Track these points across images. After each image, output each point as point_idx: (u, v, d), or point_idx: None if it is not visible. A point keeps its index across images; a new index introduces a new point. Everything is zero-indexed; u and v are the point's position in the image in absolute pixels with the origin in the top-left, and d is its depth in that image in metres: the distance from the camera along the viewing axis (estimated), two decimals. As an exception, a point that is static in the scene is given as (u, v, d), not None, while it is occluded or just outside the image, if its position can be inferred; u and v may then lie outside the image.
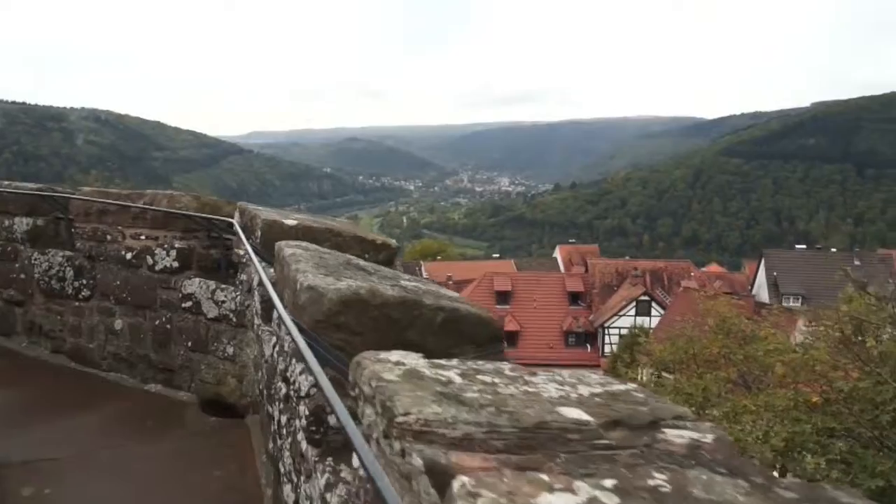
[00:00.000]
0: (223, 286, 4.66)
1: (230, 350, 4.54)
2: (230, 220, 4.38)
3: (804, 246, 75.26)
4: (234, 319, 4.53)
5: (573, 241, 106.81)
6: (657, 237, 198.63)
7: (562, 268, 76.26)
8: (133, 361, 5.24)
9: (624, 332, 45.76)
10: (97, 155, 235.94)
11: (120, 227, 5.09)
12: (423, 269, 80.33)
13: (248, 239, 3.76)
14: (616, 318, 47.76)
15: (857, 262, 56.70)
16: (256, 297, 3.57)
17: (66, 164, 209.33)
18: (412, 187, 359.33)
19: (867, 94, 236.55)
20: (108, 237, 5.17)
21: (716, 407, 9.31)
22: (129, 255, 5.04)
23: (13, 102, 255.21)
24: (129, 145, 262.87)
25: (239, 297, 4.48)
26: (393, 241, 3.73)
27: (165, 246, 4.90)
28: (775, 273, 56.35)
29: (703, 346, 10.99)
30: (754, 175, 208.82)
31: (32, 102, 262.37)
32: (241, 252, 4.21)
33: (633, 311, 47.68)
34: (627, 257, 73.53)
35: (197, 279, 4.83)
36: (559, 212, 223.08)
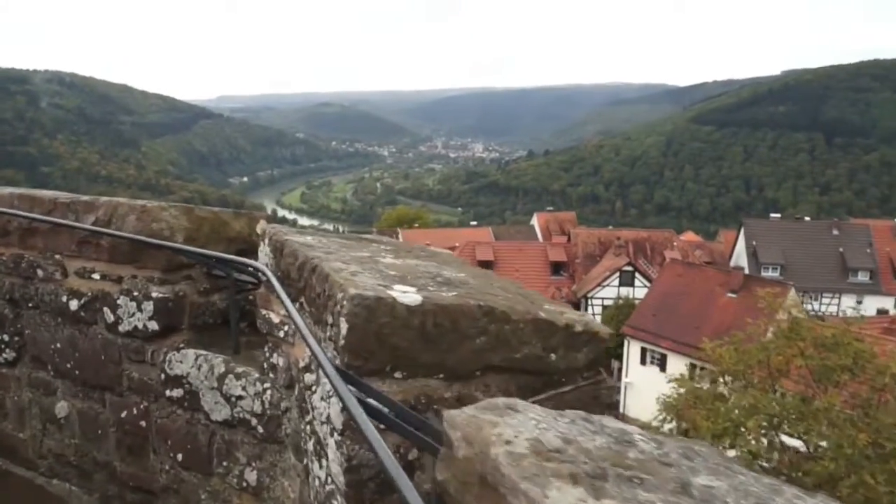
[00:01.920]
0: (240, 369, 2.66)
1: (251, 476, 2.59)
2: (253, 263, 2.32)
3: (779, 215, 75.04)
4: (261, 429, 2.57)
5: (550, 208, 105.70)
6: (630, 204, 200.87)
7: (539, 236, 75.45)
8: (86, 469, 3.26)
9: (608, 302, 45.38)
10: (63, 119, 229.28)
11: (58, 257, 3.02)
12: (400, 236, 78.86)
13: (293, 301, 1.88)
14: (599, 288, 47.37)
15: (835, 232, 56.55)
16: (333, 452, 1.64)
17: (30, 127, 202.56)
18: (386, 153, 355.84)
19: (837, 63, 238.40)
20: (40, 272, 3.15)
21: (825, 440, 7.61)
22: (74, 304, 2.98)
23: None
24: (96, 109, 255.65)
25: (270, 392, 2.53)
26: (597, 324, 1.84)
27: (136, 293, 2.87)
28: (754, 242, 55.98)
29: (776, 351, 9.31)
30: (725, 143, 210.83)
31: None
32: (276, 318, 2.24)
33: (616, 282, 47.29)
34: (610, 227, 72.67)
35: (191, 352, 2.82)
36: (533, 178, 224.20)
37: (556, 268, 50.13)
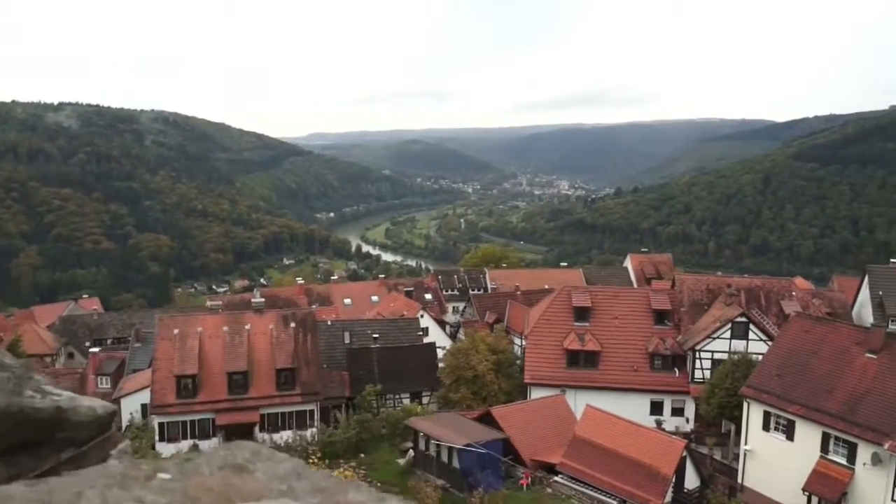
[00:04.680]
0: None
1: None
2: None
3: (896, 260, 68.50)
4: None
5: (645, 249, 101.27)
6: (723, 244, 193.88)
7: (633, 278, 71.71)
8: None
9: (719, 356, 41.54)
10: (164, 155, 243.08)
11: None
12: (487, 276, 76.54)
13: None
14: (709, 340, 43.78)
15: (972, 281, 50.56)
16: None
17: (135, 164, 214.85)
18: (470, 190, 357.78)
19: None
20: None
21: None
22: None
23: (88, 105, 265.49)
24: (195, 146, 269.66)
25: None
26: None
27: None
28: (881, 292, 50.74)
29: None
30: (830, 181, 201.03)
31: (105, 105, 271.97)
32: None
33: (727, 334, 43.32)
34: (719, 273, 68.36)
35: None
36: (621, 216, 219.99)
37: (660, 316, 46.37)
